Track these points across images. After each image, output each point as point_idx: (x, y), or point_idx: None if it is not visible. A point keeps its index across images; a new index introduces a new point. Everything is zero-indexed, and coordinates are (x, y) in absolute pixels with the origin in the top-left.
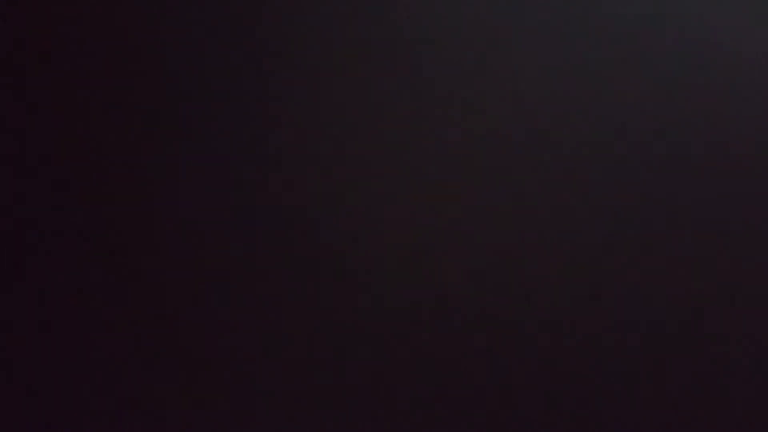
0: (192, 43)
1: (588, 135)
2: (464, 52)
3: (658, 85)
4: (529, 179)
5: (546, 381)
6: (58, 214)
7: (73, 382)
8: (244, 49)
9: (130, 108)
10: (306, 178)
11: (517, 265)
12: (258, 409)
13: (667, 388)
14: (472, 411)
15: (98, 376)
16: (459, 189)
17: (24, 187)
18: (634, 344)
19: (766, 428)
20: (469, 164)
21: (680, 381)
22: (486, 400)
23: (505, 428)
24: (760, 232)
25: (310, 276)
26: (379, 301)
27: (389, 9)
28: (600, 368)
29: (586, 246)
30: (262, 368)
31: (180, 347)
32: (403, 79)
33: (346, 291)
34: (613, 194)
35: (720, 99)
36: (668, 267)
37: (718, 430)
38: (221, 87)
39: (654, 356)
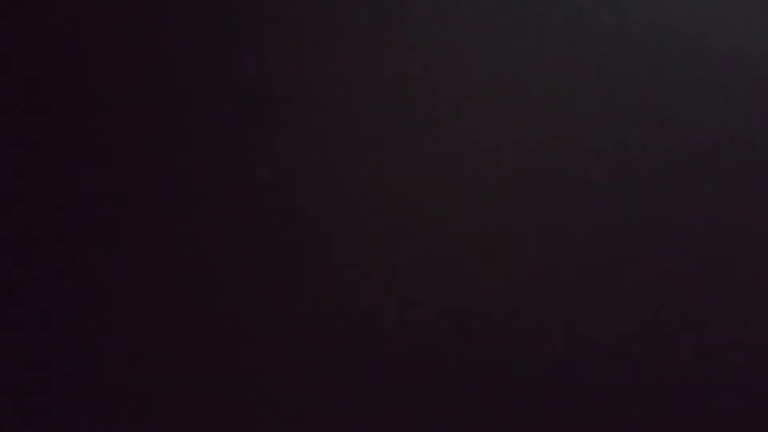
0: (193, 41)
1: (588, 136)
2: (465, 53)
3: (658, 86)
4: (530, 180)
5: (546, 383)
6: (58, 213)
7: (72, 382)
8: (246, 49)
9: (131, 107)
10: (307, 178)
11: (518, 266)
12: (257, 410)
13: (667, 390)
14: (471, 412)
15: (97, 376)
16: (460, 190)
17: (24, 187)
18: (635, 347)
19: (766, 428)
20: (470, 165)
21: (680, 382)
22: (485, 402)
23: (506, 429)
24: (761, 232)
25: (310, 276)
26: (379, 301)
27: (391, 10)
28: (600, 371)
29: (586, 247)
30: (261, 369)
31: (179, 347)
32: (405, 81)
33: (346, 291)
34: (613, 195)
35: (720, 99)
36: (668, 268)
37: (718, 430)
38: (222, 87)
39: (655, 358)
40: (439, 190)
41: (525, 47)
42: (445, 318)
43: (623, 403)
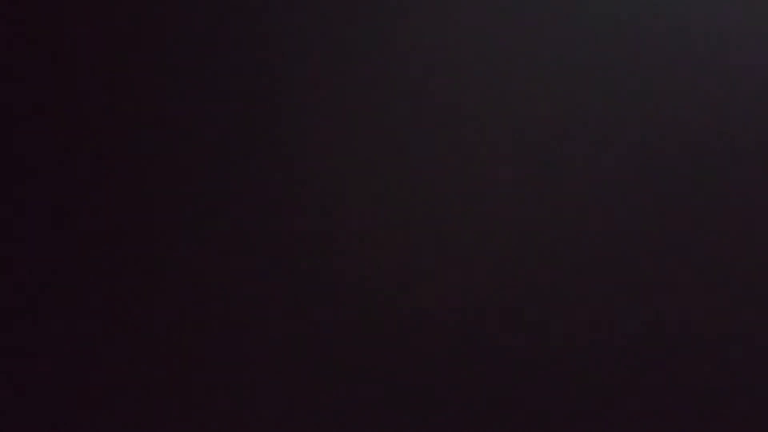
0: (195, 43)
1: (587, 137)
2: (466, 54)
3: (657, 86)
4: (531, 181)
5: (545, 385)
6: (58, 213)
7: (72, 382)
8: (248, 49)
9: (134, 107)
10: (307, 179)
11: (519, 267)
12: (256, 411)
13: (668, 391)
14: (471, 412)
15: (98, 376)
16: (460, 191)
17: (24, 186)
18: (635, 349)
19: (766, 428)
20: (471, 167)
21: (681, 383)
22: (484, 404)
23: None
24: (761, 232)
25: (311, 277)
26: (378, 305)
27: (393, 11)
28: (600, 374)
29: (586, 248)
30: (261, 371)
31: (180, 347)
32: (406, 82)
33: (346, 293)
34: (613, 196)
35: (720, 99)
36: (668, 269)
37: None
38: (225, 87)
39: (655, 359)
40: (440, 191)
41: (525, 47)
42: (444, 318)
43: (624, 403)
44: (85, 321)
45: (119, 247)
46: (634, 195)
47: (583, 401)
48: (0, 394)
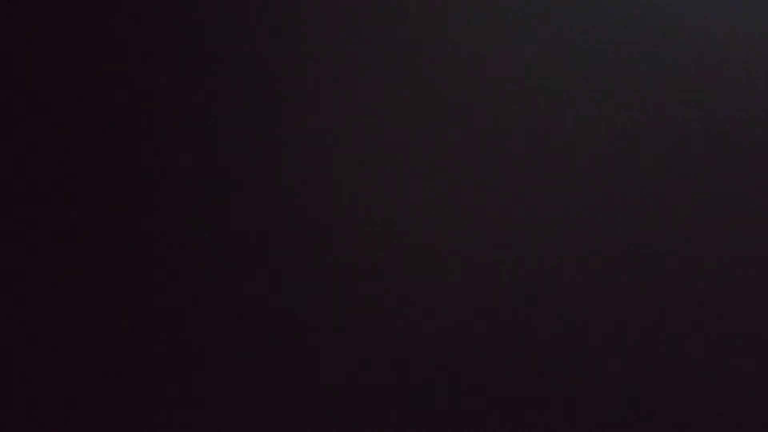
0: (195, 43)
1: (587, 137)
2: (466, 54)
3: (658, 86)
4: (531, 181)
5: (545, 384)
6: (60, 214)
7: (72, 382)
8: (249, 48)
9: (136, 106)
10: (308, 178)
11: (519, 266)
12: (257, 409)
13: (667, 390)
14: (473, 414)
15: (98, 376)
16: (462, 190)
17: (24, 185)
18: (633, 349)
19: (766, 428)
20: (472, 166)
21: (680, 383)
22: (484, 404)
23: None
24: (760, 232)
25: (311, 277)
26: (379, 302)
27: (393, 10)
28: (599, 373)
29: (586, 248)
30: (262, 367)
31: (181, 347)
32: (408, 81)
33: (347, 291)
34: (613, 196)
35: (720, 99)
36: (667, 269)
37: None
38: (226, 86)
39: (653, 359)
40: (439, 191)
41: (526, 46)
42: (444, 318)
43: (624, 403)
44: (85, 321)
45: (119, 247)
46: (635, 195)
47: (583, 402)
48: (0, 394)
